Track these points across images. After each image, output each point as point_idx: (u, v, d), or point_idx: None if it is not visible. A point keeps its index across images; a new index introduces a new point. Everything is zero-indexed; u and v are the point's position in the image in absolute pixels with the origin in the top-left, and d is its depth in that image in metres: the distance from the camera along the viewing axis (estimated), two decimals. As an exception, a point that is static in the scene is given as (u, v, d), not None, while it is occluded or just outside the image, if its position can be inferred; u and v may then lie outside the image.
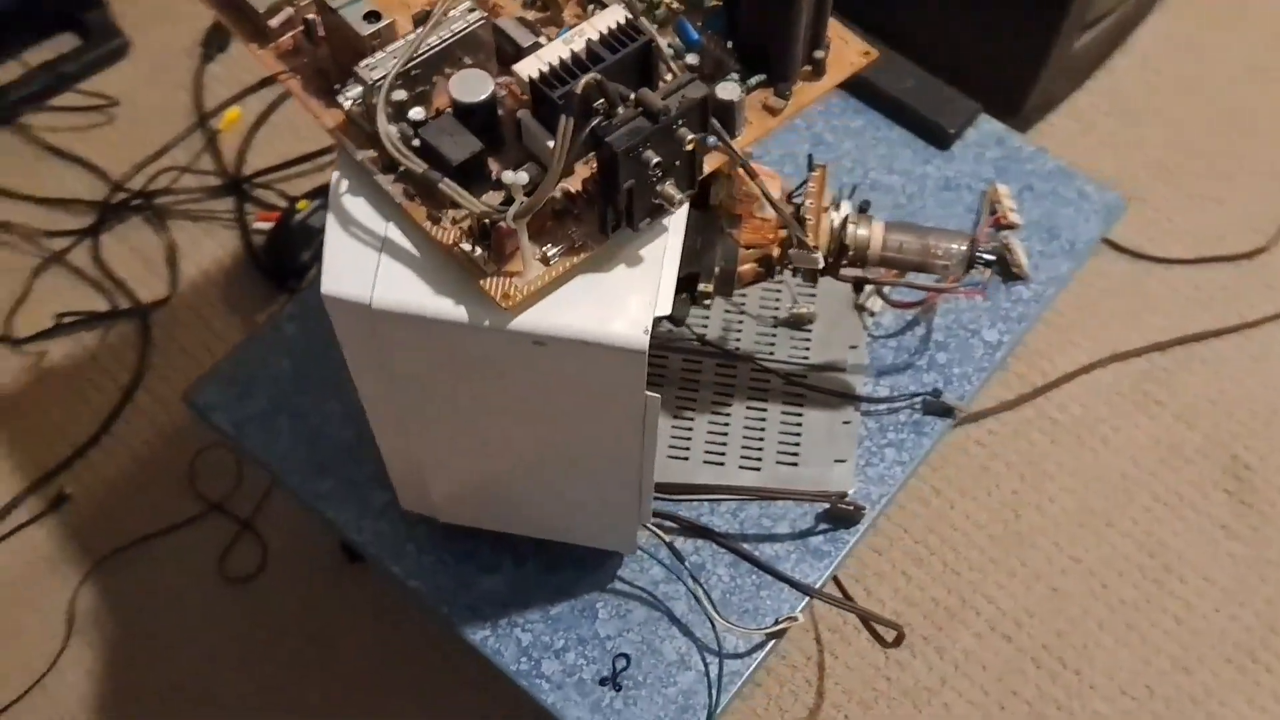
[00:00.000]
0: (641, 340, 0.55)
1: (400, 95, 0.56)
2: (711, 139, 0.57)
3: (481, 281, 0.54)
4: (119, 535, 1.07)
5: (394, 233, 0.57)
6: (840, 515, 0.82)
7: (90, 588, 1.05)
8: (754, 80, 0.59)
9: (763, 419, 0.85)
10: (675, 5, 0.61)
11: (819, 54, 0.59)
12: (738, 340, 0.89)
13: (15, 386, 1.15)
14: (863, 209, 0.74)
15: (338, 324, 0.59)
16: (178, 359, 1.16)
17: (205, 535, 1.07)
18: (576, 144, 0.50)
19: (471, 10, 0.57)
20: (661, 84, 0.54)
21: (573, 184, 0.56)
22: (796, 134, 0.98)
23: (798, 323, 0.89)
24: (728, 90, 0.56)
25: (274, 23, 0.60)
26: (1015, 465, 1.12)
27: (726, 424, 0.85)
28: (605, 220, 0.54)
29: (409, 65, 0.55)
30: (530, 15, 0.61)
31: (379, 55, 0.56)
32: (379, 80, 0.54)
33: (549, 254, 0.54)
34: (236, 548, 1.06)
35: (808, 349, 0.88)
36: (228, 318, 1.18)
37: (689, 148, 0.52)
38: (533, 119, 0.55)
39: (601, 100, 0.50)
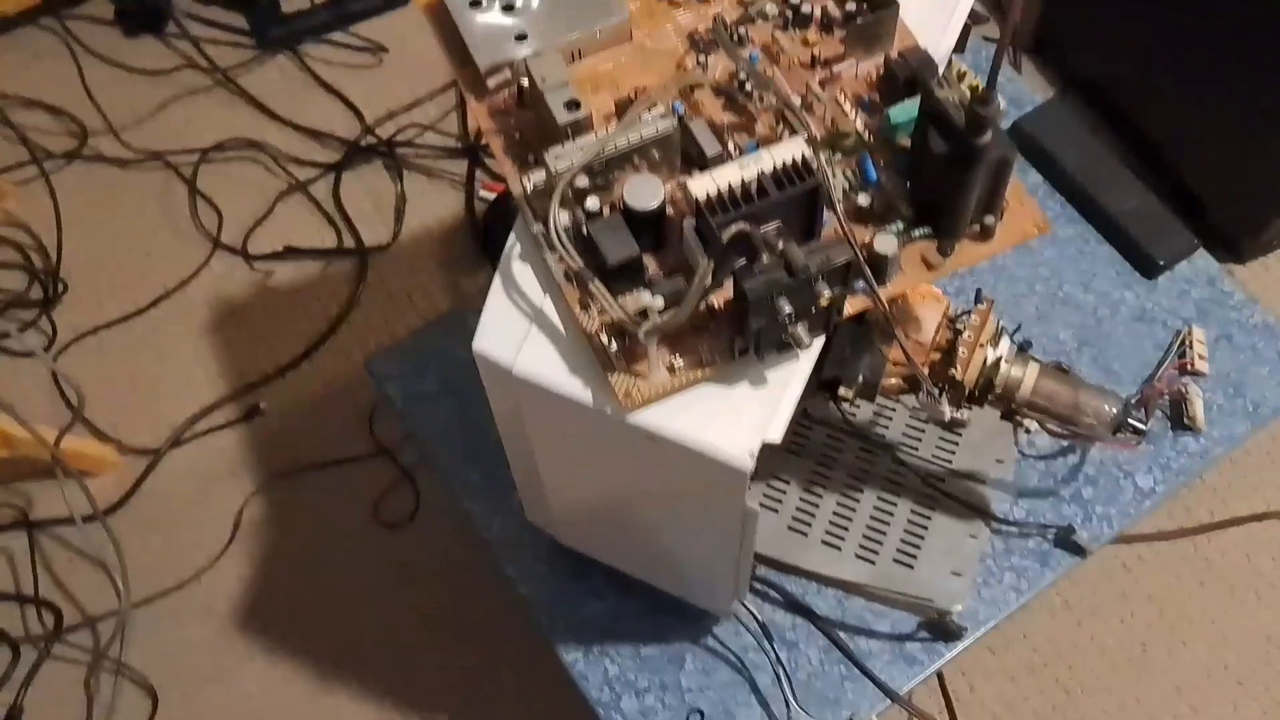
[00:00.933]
0: (746, 462, 0.57)
1: (582, 183, 0.60)
2: (860, 284, 0.58)
3: (610, 375, 0.58)
4: (297, 456, 1.17)
5: (548, 305, 0.61)
6: (942, 628, 0.83)
7: (260, 499, 1.15)
8: (919, 232, 0.60)
9: (890, 513, 0.86)
10: (868, 138, 0.63)
11: (990, 220, 0.60)
12: (885, 427, 0.90)
13: (241, 298, 1.26)
14: (1022, 348, 0.74)
15: (483, 372, 0.64)
16: (385, 303, 1.25)
17: (370, 475, 1.16)
18: (715, 286, 0.53)
19: (664, 117, 0.60)
20: (811, 242, 0.56)
21: (717, 298, 0.58)
22: (1001, 230, 0.97)
23: (950, 424, 0.89)
24: (885, 244, 0.58)
25: (492, 82, 0.65)
26: (1157, 599, 1.09)
27: (853, 509, 0.86)
28: (734, 345, 0.57)
29: (592, 162, 0.59)
30: (726, 119, 0.64)
31: (569, 145, 0.59)
32: (562, 172, 0.58)
33: (676, 364, 0.58)
34: (394, 494, 1.15)
35: (953, 453, 0.89)
36: (437, 275, 1.25)
37: (825, 304, 0.54)
38: (693, 233, 0.58)
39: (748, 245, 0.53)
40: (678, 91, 0.65)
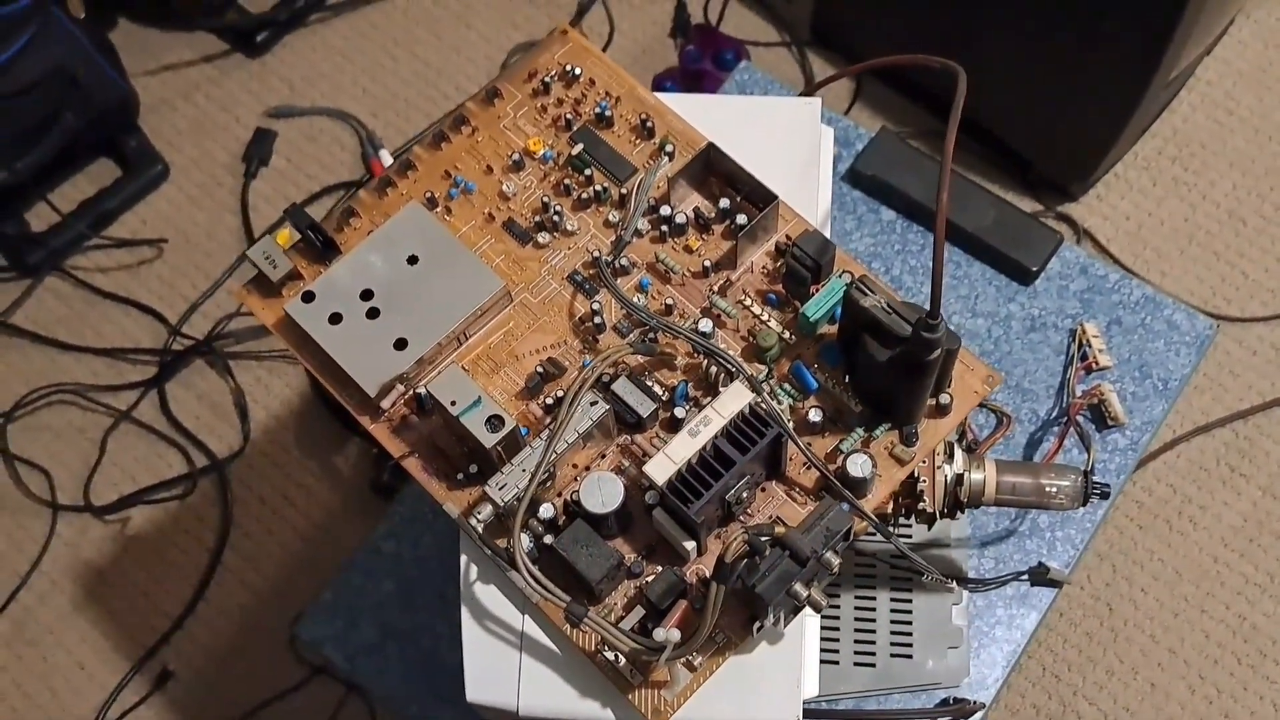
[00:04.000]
0: (796, 733, 0.55)
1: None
2: (844, 506, 0.56)
3: (629, 696, 0.54)
4: (228, 709, 1.08)
5: (531, 627, 0.57)
6: (960, 709, 0.82)
7: (209, 769, 1.07)
8: (879, 430, 0.58)
9: (872, 609, 0.85)
10: (787, 337, 0.60)
11: (945, 398, 0.57)
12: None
13: (102, 560, 1.15)
14: (970, 449, 0.73)
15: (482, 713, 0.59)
16: (262, 513, 1.16)
17: (312, 700, 1.09)
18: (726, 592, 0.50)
19: (594, 403, 0.55)
20: (800, 522, 0.53)
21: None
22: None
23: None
24: (858, 466, 0.55)
25: (386, 402, 0.59)
26: (1107, 556, 1.12)
27: (837, 619, 0.85)
28: (752, 626, 0.53)
29: (541, 475, 0.54)
30: (643, 360, 0.59)
31: (507, 471, 0.54)
32: (511, 500, 0.53)
33: (695, 661, 0.54)
34: (343, 713, 1.08)
35: (910, 525, 0.88)
36: (307, 464, 1.18)
37: (834, 570, 0.51)
38: (666, 516, 0.54)
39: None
40: (580, 344, 0.61)
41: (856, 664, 0.84)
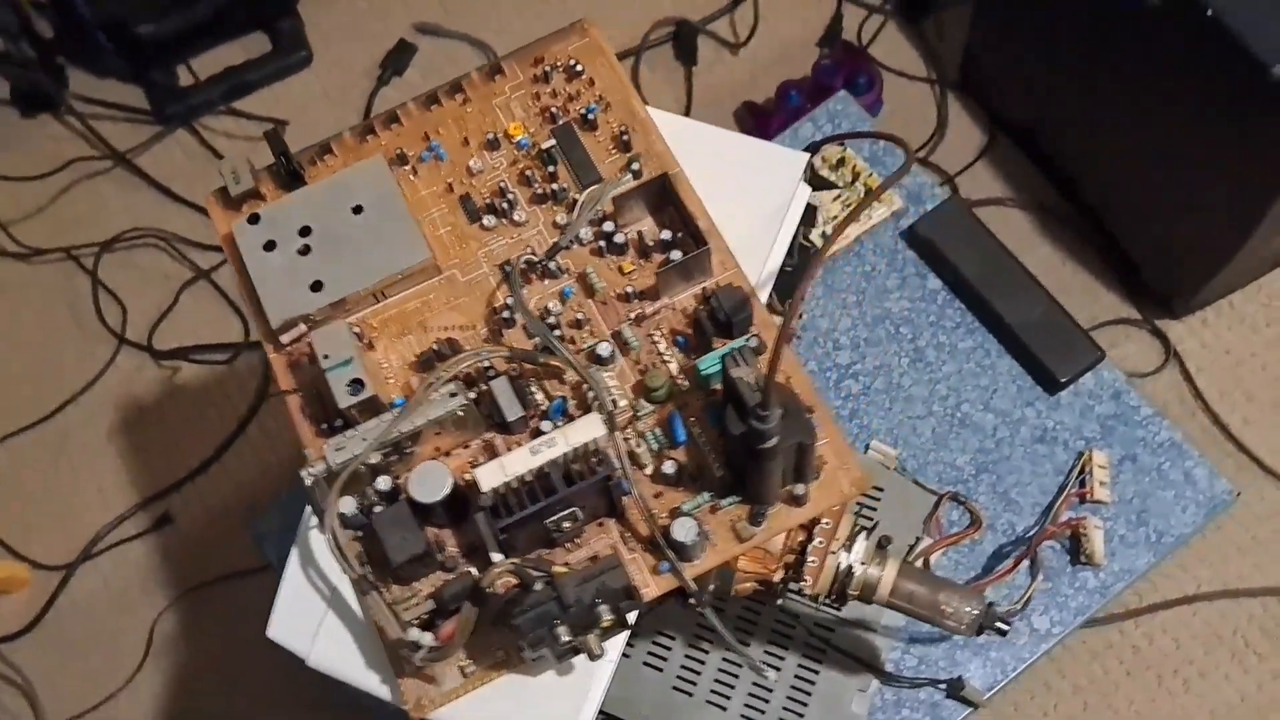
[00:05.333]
0: (553, 767, 0.55)
1: (374, 459, 0.56)
2: (665, 566, 0.55)
3: (400, 680, 0.55)
4: (208, 567, 1.15)
5: (345, 588, 0.58)
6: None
7: (173, 614, 1.14)
8: (728, 501, 0.57)
9: (777, 669, 0.84)
10: (682, 382, 0.59)
11: (800, 489, 0.56)
12: (772, 578, 0.87)
13: (148, 399, 1.23)
14: (881, 544, 0.71)
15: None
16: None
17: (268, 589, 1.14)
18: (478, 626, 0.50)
19: (453, 396, 0.56)
20: (582, 566, 0.53)
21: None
22: (897, 342, 0.93)
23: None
24: (683, 530, 0.54)
25: (286, 338, 0.61)
26: (1082, 690, 1.07)
27: (739, 665, 0.84)
28: (524, 654, 0.54)
29: (380, 448, 0.56)
30: (534, 368, 0.60)
31: (350, 434, 0.56)
32: (340, 466, 0.55)
33: (468, 668, 0.55)
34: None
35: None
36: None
37: (607, 625, 0.51)
38: (485, 520, 0.55)
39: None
40: (487, 333, 0.61)
41: (743, 717, 0.83)
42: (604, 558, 0.53)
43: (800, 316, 0.89)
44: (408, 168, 0.65)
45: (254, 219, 0.63)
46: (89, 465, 1.21)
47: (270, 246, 0.62)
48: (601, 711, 0.81)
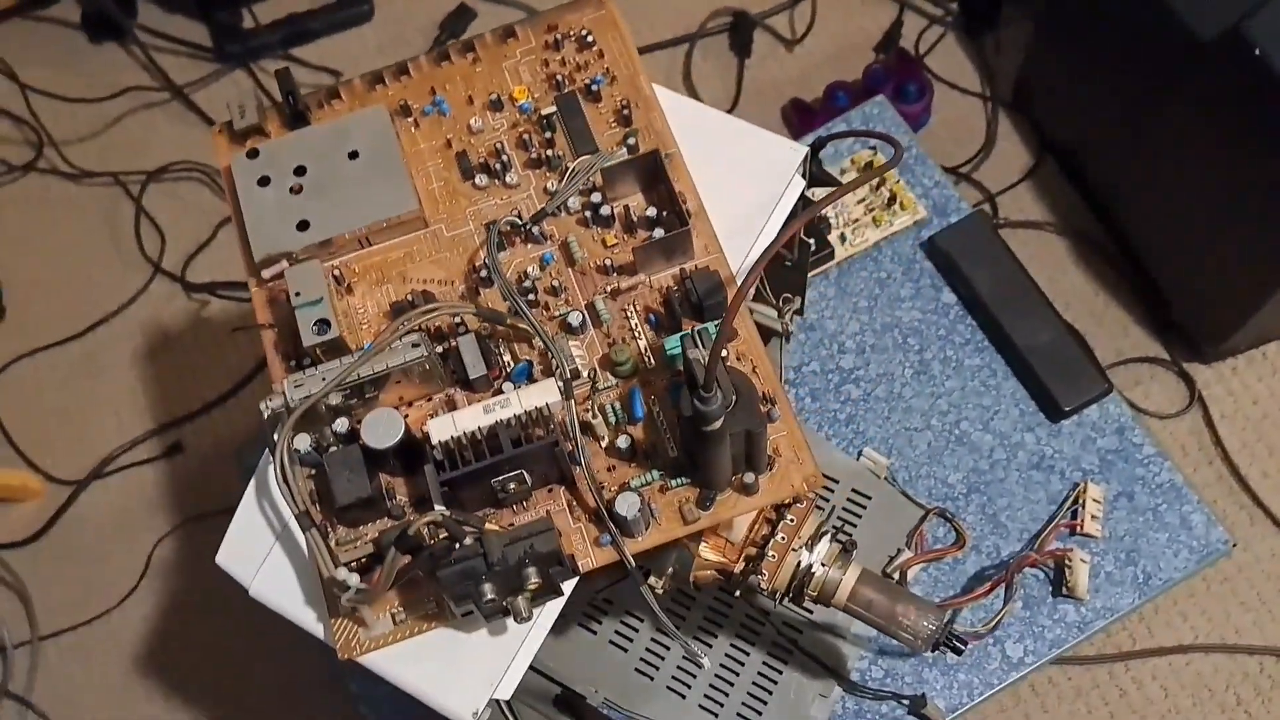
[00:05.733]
0: (468, 721, 0.55)
1: (334, 399, 0.57)
2: (606, 538, 0.55)
3: (332, 620, 0.56)
4: (212, 499, 1.17)
5: (295, 524, 0.59)
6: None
7: (172, 540, 1.16)
8: (677, 481, 0.57)
9: (741, 662, 0.83)
10: (648, 360, 0.59)
11: (750, 478, 0.56)
12: (749, 570, 0.86)
13: (175, 328, 1.25)
14: (846, 549, 0.70)
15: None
16: (314, 344, 1.23)
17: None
18: (408, 573, 0.50)
19: (415, 346, 0.57)
20: (511, 526, 0.53)
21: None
22: (904, 352, 0.92)
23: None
24: (625, 506, 0.54)
25: (267, 273, 0.62)
26: (1061, 727, 1.05)
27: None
28: (452, 609, 0.54)
29: (340, 389, 0.56)
30: (503, 329, 0.60)
31: (311, 373, 0.56)
32: (296, 403, 0.56)
33: (399, 616, 0.55)
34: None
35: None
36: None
37: (535, 587, 0.51)
38: (432, 473, 0.55)
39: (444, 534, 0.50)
40: (465, 291, 0.62)
41: (702, 706, 0.83)
42: (535, 520, 0.53)
43: (802, 316, 0.88)
44: (411, 120, 0.66)
45: (253, 154, 0.64)
46: (110, 387, 1.24)
47: (265, 182, 0.63)
48: (561, 684, 0.83)
